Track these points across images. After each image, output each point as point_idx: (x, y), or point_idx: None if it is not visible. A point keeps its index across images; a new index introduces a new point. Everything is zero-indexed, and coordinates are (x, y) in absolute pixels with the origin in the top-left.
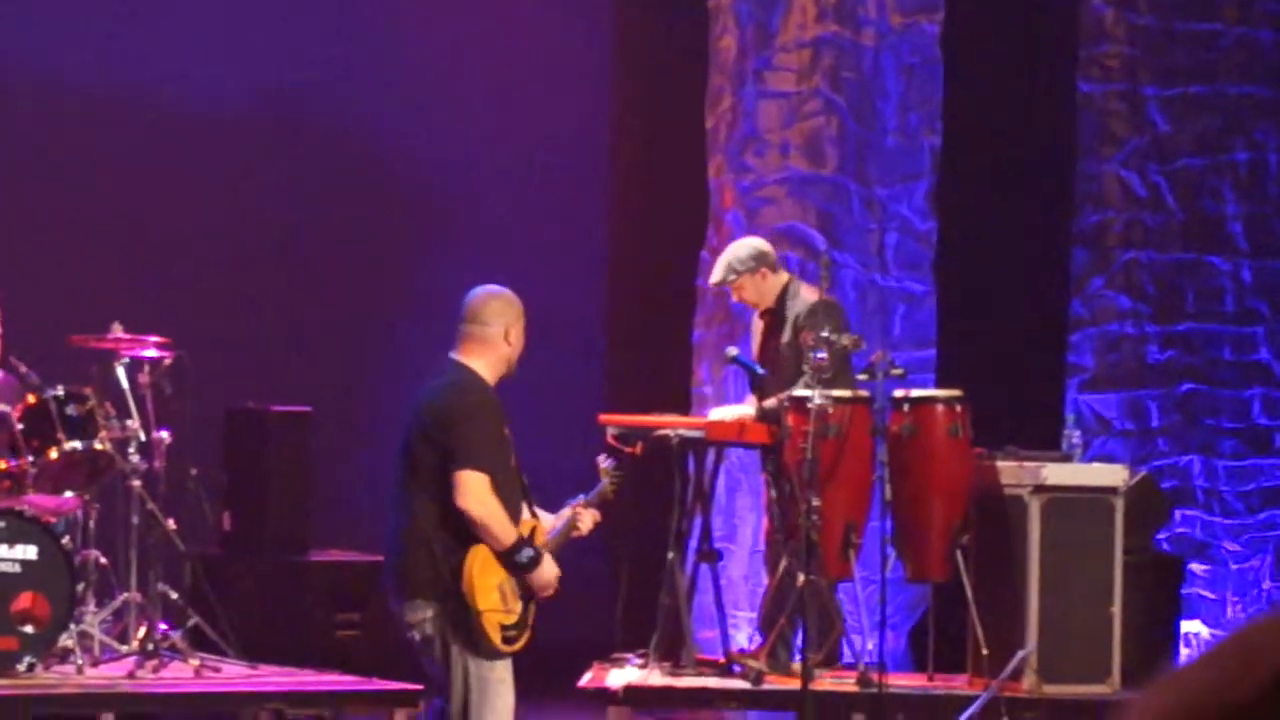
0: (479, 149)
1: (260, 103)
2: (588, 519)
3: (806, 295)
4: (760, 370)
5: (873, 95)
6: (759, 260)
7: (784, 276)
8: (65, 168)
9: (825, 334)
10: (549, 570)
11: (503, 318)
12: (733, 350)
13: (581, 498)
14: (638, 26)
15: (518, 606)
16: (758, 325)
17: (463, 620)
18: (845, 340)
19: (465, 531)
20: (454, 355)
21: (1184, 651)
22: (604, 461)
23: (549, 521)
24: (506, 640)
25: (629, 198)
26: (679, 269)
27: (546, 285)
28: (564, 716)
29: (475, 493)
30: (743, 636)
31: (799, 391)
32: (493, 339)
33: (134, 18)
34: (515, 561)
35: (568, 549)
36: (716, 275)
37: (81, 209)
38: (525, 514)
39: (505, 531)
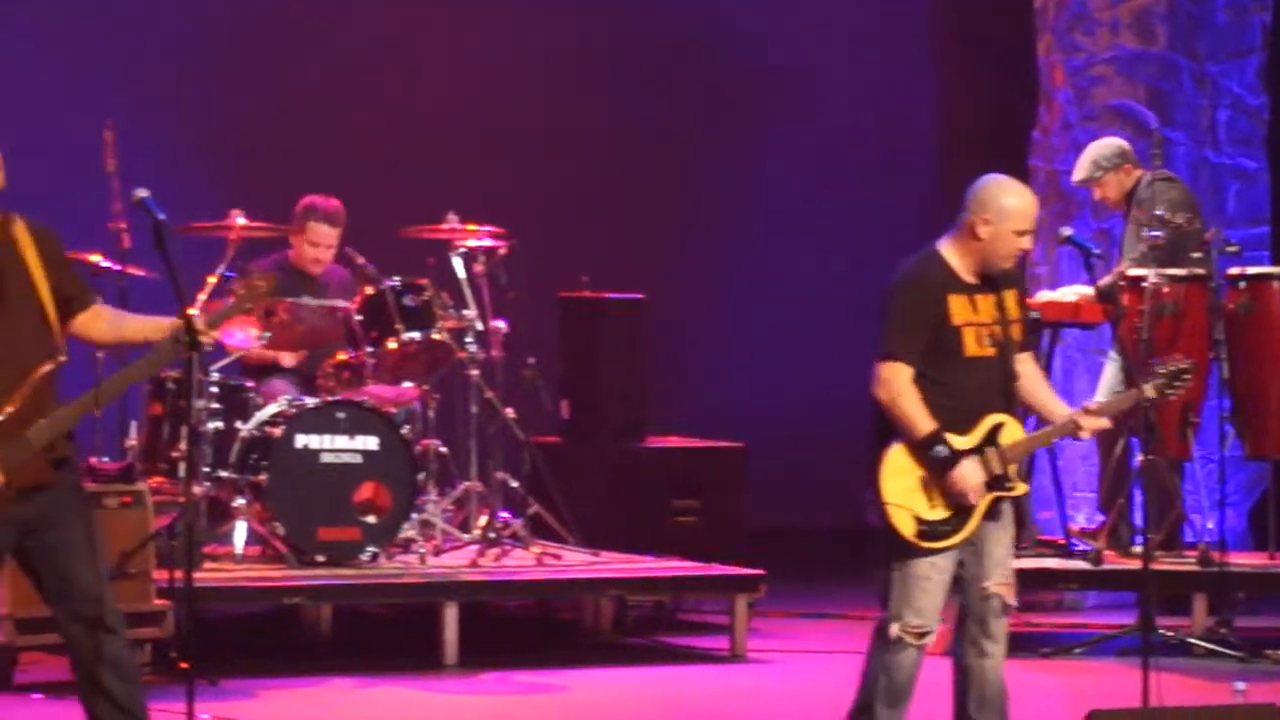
0: (803, 32)
1: None
2: (1090, 425)
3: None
4: (1095, 249)
5: None
6: (1123, 157)
7: (1140, 171)
8: (399, 61)
9: (1160, 213)
10: (964, 476)
11: (979, 207)
12: (1067, 230)
13: (1095, 401)
14: None
15: (944, 508)
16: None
17: (878, 510)
18: (1179, 219)
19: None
20: None
21: None
22: (1165, 365)
23: (1060, 414)
24: (922, 536)
25: (959, 78)
26: (1010, 149)
27: (874, 168)
28: None
29: (884, 381)
30: (1081, 517)
31: (1134, 270)
32: (963, 225)
33: None
34: (930, 458)
35: None
36: (1081, 173)
37: (413, 101)
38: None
39: (914, 424)
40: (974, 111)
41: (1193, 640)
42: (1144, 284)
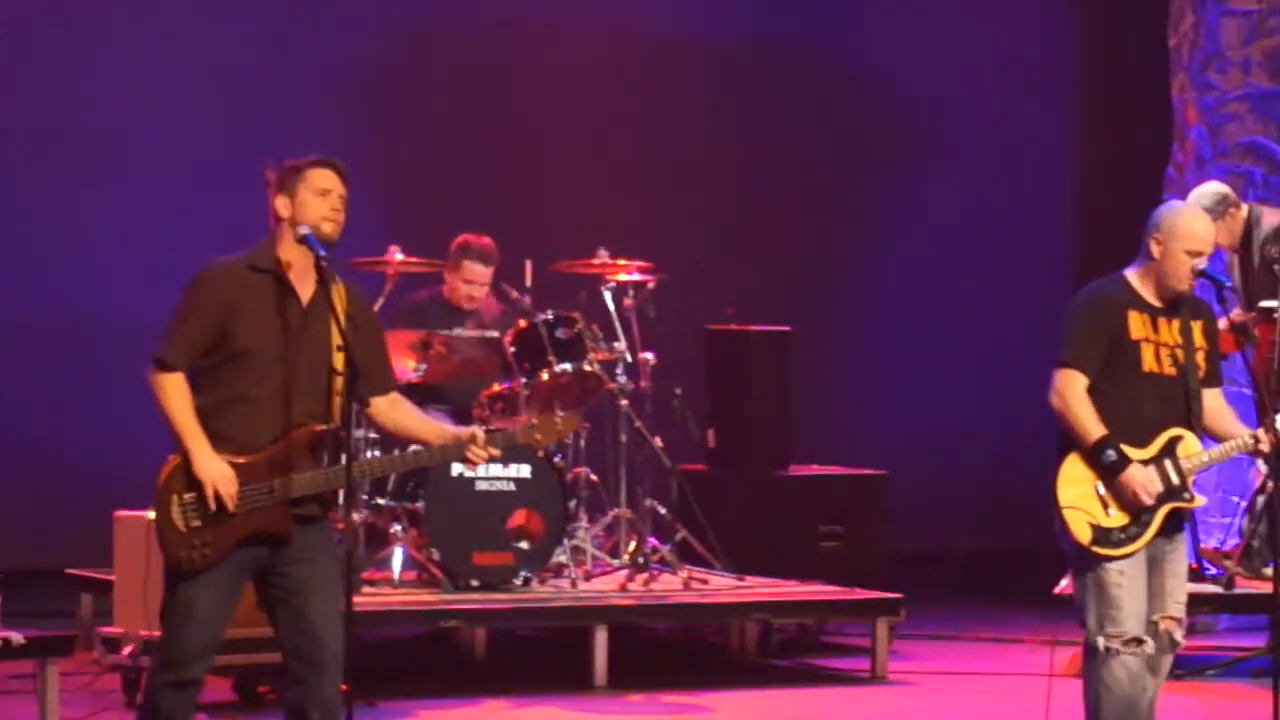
0: (941, 67)
1: (734, 26)
2: (1271, 439)
3: (1269, 219)
4: (1228, 283)
5: None
6: (1225, 202)
7: (1245, 208)
8: (545, 97)
9: None
10: (1134, 475)
11: (1154, 228)
12: (1201, 263)
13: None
14: None
15: (1121, 514)
16: (1231, 260)
17: (1059, 522)
18: None
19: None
20: None
21: None
22: None
23: (1241, 432)
24: (1098, 541)
25: (1094, 115)
26: (1146, 187)
27: (1011, 202)
28: (1040, 620)
29: (1055, 388)
30: (1213, 541)
31: (1266, 303)
32: (1145, 247)
33: None
34: (1098, 463)
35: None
36: None
37: (567, 139)
38: (1178, 427)
39: (1085, 430)
40: (1110, 149)
41: None
42: (1275, 315)
